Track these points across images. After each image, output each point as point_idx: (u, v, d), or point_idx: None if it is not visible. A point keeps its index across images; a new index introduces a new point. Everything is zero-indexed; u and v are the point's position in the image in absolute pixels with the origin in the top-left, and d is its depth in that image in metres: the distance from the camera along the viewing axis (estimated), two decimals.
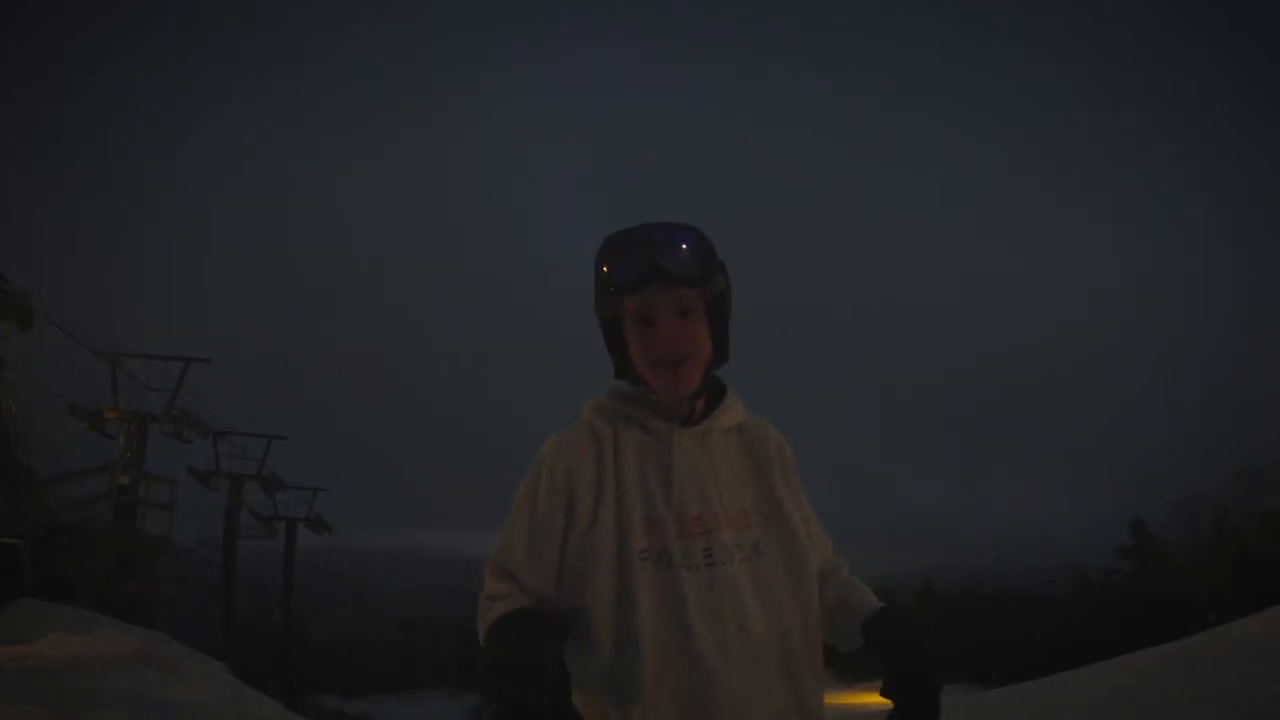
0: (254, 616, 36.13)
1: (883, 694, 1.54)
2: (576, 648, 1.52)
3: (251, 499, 26.41)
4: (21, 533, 11.14)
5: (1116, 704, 5.80)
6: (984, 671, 47.92)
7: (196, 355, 18.52)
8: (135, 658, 10.68)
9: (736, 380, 1.72)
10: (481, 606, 1.55)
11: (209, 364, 19.05)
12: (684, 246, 1.53)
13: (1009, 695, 8.94)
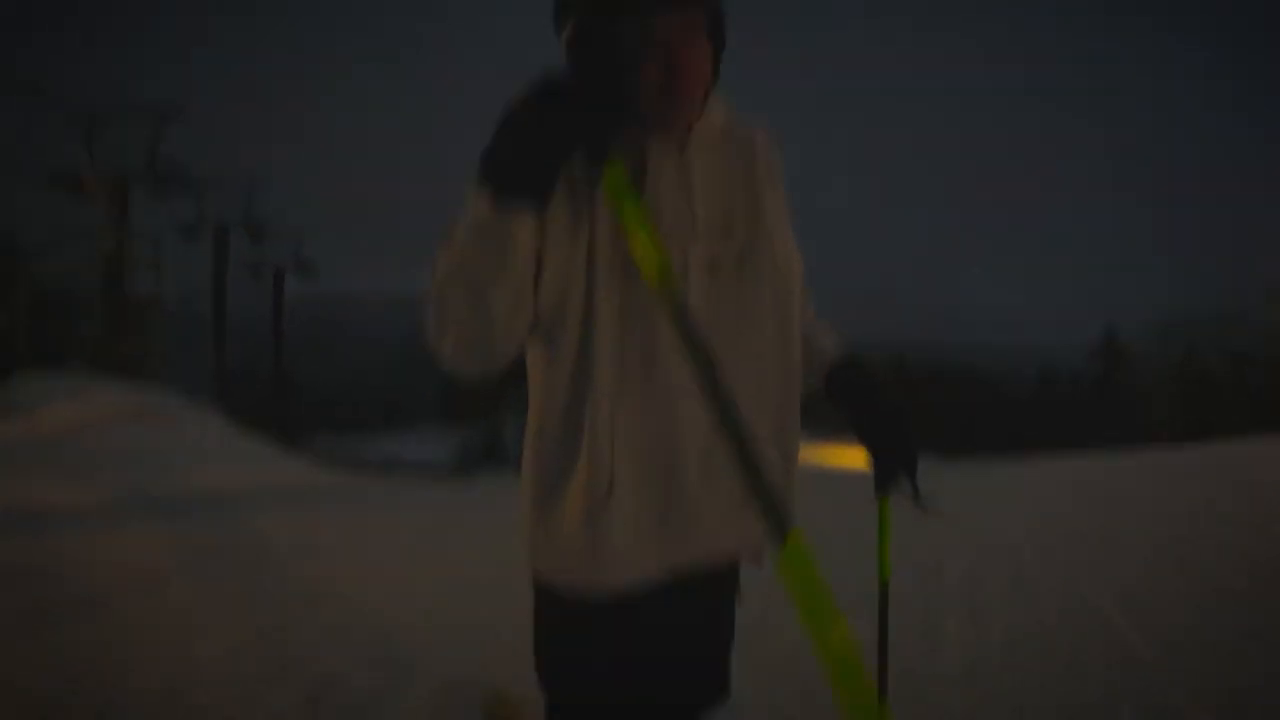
0: (247, 364, 37.23)
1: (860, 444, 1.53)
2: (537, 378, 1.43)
3: (238, 248, 26.32)
4: (12, 308, 11.26)
5: (1065, 492, 6.33)
6: (945, 447, 50.54)
7: (173, 106, 17.91)
8: (133, 414, 11.20)
9: None
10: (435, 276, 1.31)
11: (186, 113, 18.40)
12: None
13: (967, 470, 9.60)
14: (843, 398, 1.56)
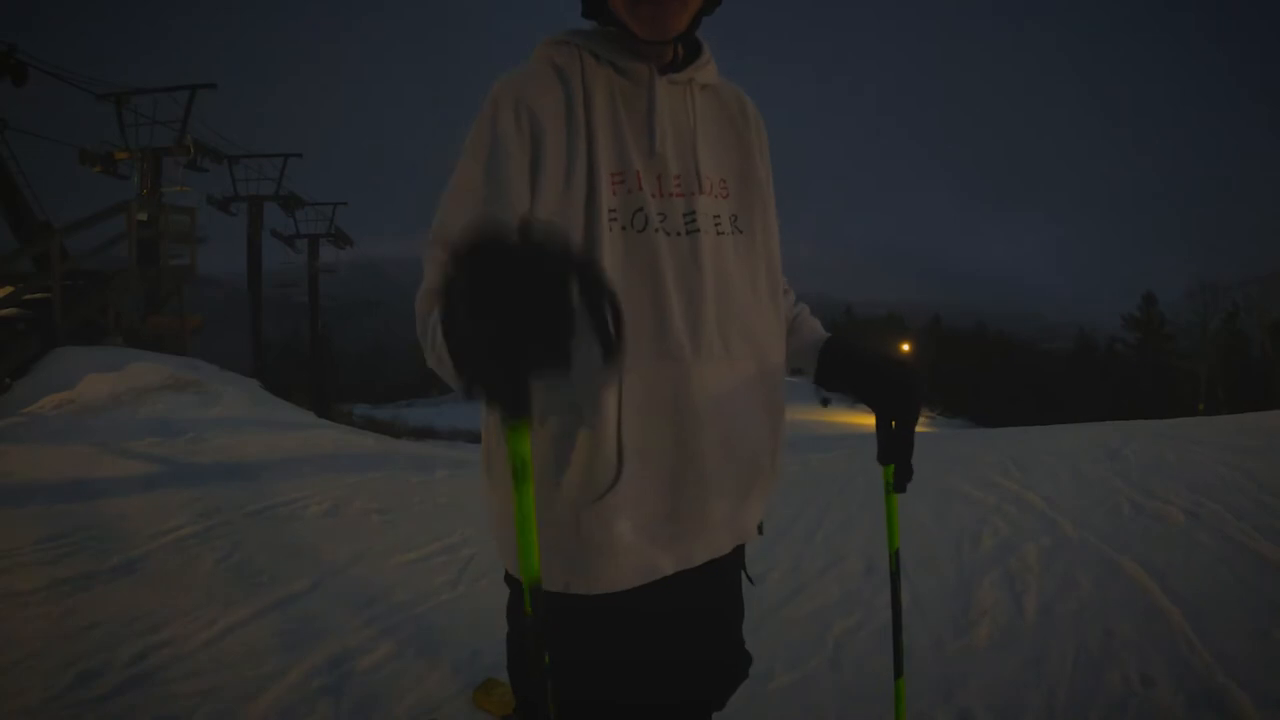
0: (284, 335, 37.69)
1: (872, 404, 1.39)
2: None
3: (274, 221, 26.55)
4: (49, 285, 11.41)
5: (1101, 460, 6.23)
6: (978, 411, 50.26)
7: (201, 82, 18.04)
8: (169, 385, 11.30)
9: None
10: (422, 312, 1.17)
11: (215, 89, 18.52)
12: None
13: (1004, 436, 9.52)
14: (848, 366, 1.41)
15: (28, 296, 11.37)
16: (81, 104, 16.49)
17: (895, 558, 1.60)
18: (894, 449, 1.42)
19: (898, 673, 1.62)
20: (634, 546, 1.23)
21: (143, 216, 14.49)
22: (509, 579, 1.37)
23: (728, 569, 1.45)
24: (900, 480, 1.45)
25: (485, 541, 4.39)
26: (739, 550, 1.48)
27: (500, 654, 1.43)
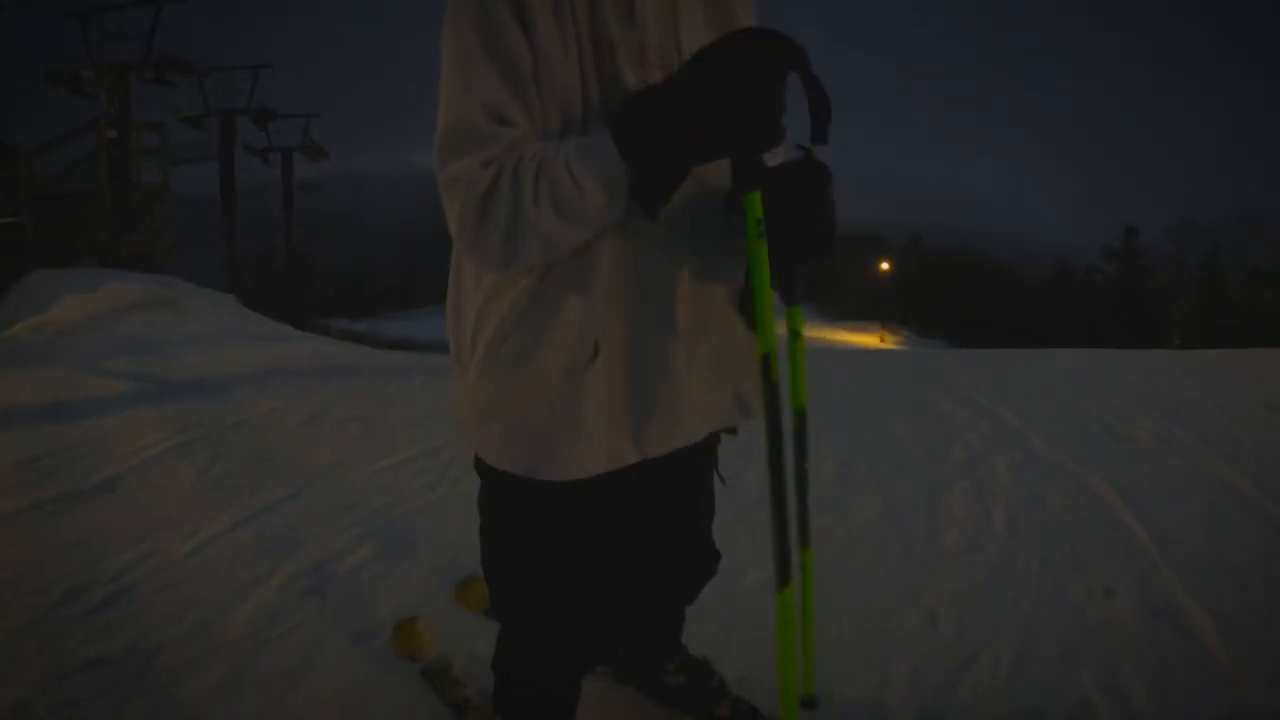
0: (259, 250, 37.12)
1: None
2: None
3: (245, 135, 25.96)
4: (18, 209, 11.14)
5: (1075, 383, 6.30)
6: (955, 332, 50.68)
7: None
8: (145, 303, 11.23)
9: None
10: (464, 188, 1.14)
11: (183, 2, 17.88)
12: None
13: (972, 355, 9.62)
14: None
15: None
16: (45, 24, 15.86)
17: (801, 418, 1.36)
18: (793, 278, 1.30)
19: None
20: (600, 430, 1.25)
21: (112, 134, 14.13)
22: (479, 465, 1.37)
23: (699, 465, 1.48)
24: (790, 291, 1.31)
25: (462, 454, 4.42)
26: (712, 449, 1.50)
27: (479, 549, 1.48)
